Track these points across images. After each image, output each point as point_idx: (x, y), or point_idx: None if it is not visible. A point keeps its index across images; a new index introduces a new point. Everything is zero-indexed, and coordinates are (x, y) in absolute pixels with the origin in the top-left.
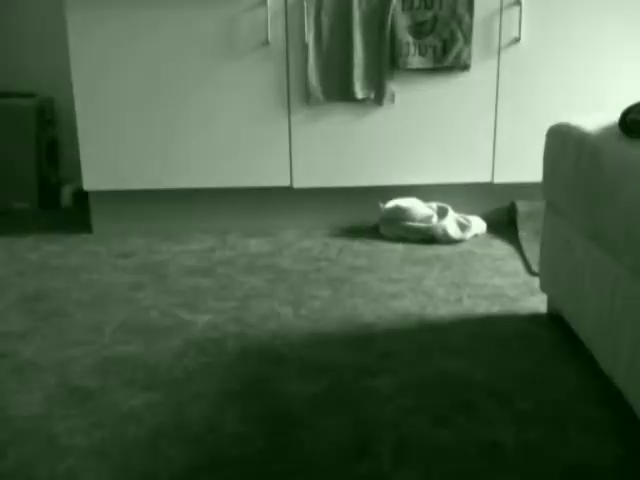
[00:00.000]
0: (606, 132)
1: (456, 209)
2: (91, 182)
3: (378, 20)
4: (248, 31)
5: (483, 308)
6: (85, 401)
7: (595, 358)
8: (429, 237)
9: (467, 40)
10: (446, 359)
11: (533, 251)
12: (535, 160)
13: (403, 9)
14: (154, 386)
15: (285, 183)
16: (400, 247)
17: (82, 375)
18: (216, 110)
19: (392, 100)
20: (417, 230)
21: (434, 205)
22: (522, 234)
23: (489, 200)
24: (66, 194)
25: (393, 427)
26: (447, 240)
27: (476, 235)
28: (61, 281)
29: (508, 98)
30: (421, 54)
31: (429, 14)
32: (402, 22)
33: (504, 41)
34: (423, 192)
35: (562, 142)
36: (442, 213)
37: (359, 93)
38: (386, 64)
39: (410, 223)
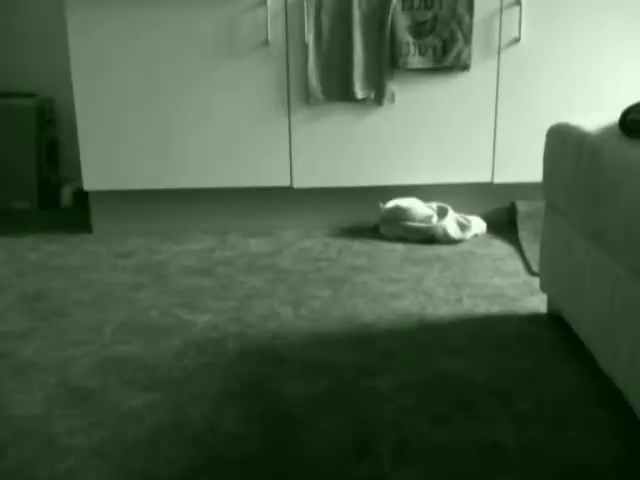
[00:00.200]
0: (606, 132)
1: (456, 209)
2: (91, 182)
3: (378, 20)
4: (248, 31)
5: (483, 308)
6: (85, 401)
7: (595, 358)
8: (429, 237)
9: (467, 40)
10: (446, 359)
11: (533, 251)
12: (535, 160)
13: (403, 9)
14: (154, 386)
15: (285, 183)
16: (400, 247)
17: (82, 375)
18: (216, 110)
19: (392, 100)
20: (417, 230)
21: (434, 205)
22: (522, 234)
23: (489, 200)
24: (66, 194)
25: (393, 427)
26: (447, 240)
27: (476, 235)
28: (61, 281)
29: (508, 98)
30: (421, 54)
31: (429, 14)
32: (402, 22)
33: (504, 41)
34: (423, 192)
35: (562, 142)
36: (442, 213)
37: (359, 93)
38: (386, 64)
39: (410, 223)
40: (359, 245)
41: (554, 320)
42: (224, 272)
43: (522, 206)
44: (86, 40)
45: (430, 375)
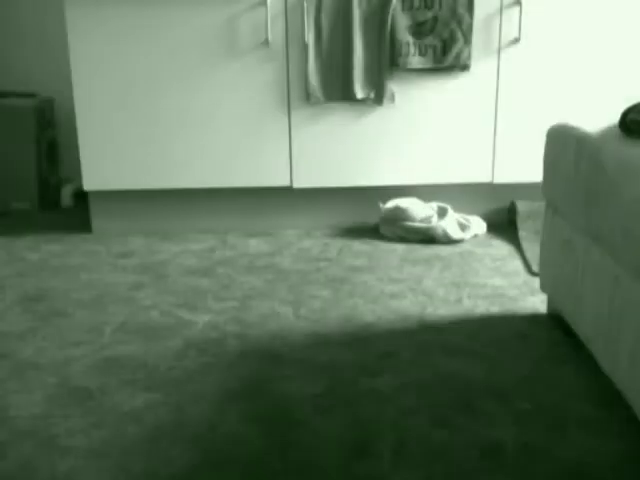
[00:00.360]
0: (606, 132)
1: (456, 209)
2: (91, 182)
3: (378, 20)
4: (248, 31)
5: (483, 308)
6: (85, 401)
7: (595, 358)
8: (429, 237)
9: (467, 40)
10: (446, 359)
11: (533, 251)
12: (535, 160)
13: (403, 9)
14: (154, 386)
15: (285, 183)
16: (400, 247)
17: (82, 375)
18: (216, 110)
19: (392, 100)
20: (417, 230)
21: (434, 205)
22: (522, 234)
23: (489, 200)
24: (66, 194)
25: (393, 427)
26: (447, 240)
27: (476, 235)
28: (61, 281)
29: (508, 98)
30: (421, 54)
31: (429, 14)
32: (402, 22)
33: (504, 41)
34: (423, 192)
35: (562, 142)
36: (442, 213)
37: (359, 93)
38: (386, 64)
39: (410, 223)
40: (359, 245)
41: (554, 320)
42: (224, 272)
43: (522, 206)
44: (86, 40)
45: (430, 375)
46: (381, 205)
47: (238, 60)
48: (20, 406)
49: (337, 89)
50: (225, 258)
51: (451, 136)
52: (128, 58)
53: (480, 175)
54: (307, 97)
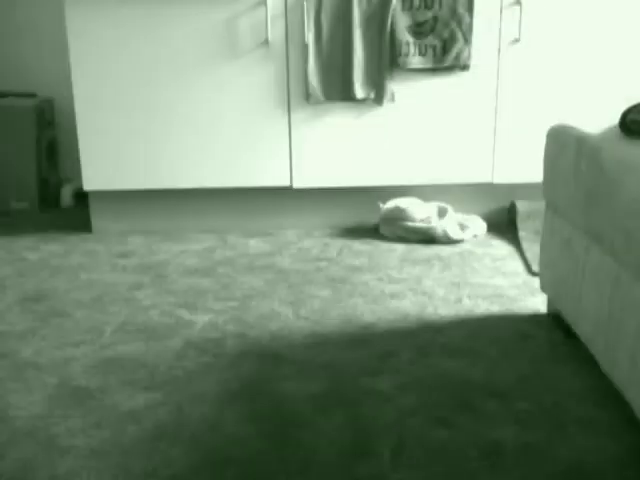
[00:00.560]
0: (606, 132)
1: (456, 209)
2: (91, 182)
3: (378, 20)
4: (248, 31)
5: (483, 308)
6: (85, 401)
7: (595, 358)
8: (429, 237)
9: (467, 40)
10: (446, 359)
11: (533, 251)
12: (535, 160)
13: (403, 9)
14: (154, 386)
15: (285, 183)
16: (400, 247)
17: (82, 375)
18: (216, 110)
19: (392, 100)
20: (417, 230)
21: (434, 205)
22: (522, 234)
23: (489, 200)
24: (66, 194)
25: (393, 427)
26: (447, 240)
27: (476, 235)
28: (61, 281)
29: (508, 98)
30: (421, 54)
31: (429, 14)
32: (402, 22)
33: (504, 41)
34: (423, 192)
35: (562, 142)
36: (442, 213)
37: (359, 93)
38: (386, 64)
39: (410, 223)
40: (359, 245)
41: (554, 320)
42: (224, 272)
43: (522, 206)
44: (86, 40)
45: (430, 375)
46: (381, 205)
47: (238, 60)
48: (20, 406)
49: (337, 89)
50: (225, 258)
51: (451, 136)
52: (128, 58)
53: (480, 175)
54: (307, 97)
